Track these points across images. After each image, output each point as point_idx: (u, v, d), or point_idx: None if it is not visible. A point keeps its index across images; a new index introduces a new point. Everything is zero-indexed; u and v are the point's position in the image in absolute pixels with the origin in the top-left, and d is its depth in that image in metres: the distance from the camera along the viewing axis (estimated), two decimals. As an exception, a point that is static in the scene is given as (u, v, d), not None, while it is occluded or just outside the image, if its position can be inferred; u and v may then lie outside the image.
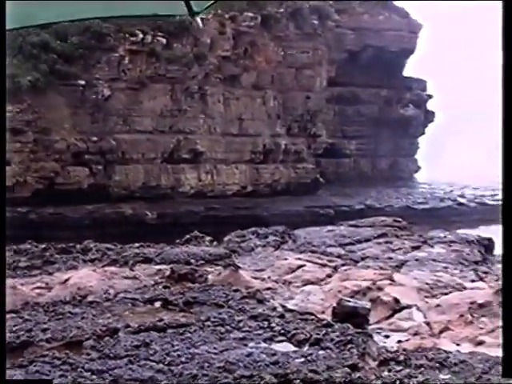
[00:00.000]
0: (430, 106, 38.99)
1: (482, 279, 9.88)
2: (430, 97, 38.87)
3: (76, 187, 34.53)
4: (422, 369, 4.93)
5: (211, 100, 36.68)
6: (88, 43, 34.40)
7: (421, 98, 37.90)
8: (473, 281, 9.70)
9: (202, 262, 9.53)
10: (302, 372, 4.68)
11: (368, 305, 6.75)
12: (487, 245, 12.92)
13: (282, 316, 6.25)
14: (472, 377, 4.78)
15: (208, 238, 12.02)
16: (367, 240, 13.21)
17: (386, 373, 4.88)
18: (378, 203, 27.44)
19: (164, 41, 34.97)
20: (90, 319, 6.05)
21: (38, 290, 7.74)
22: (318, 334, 5.54)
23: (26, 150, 33.10)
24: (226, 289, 7.29)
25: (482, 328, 6.91)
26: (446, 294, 8.55)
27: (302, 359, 5.01)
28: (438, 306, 7.88)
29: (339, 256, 11.08)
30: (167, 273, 8.29)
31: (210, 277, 8.25)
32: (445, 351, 5.59)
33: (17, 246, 10.21)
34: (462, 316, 7.28)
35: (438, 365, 5.00)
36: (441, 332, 6.86)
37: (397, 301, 7.79)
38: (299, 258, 10.50)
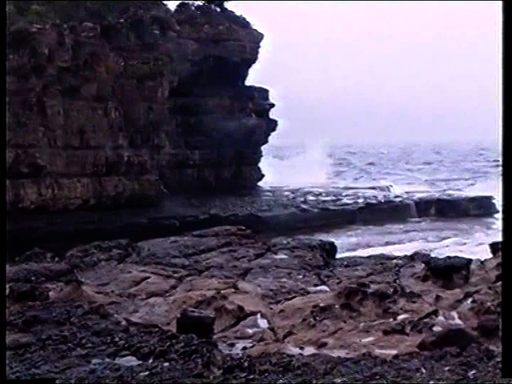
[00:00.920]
0: (272, 114, 39.84)
1: (324, 283, 10.25)
2: (272, 105, 39.72)
3: None
4: (266, 374, 5.04)
5: (51, 112, 35.65)
6: None
7: (263, 107, 38.71)
8: (315, 285, 10.03)
9: (43, 279, 9.26)
10: (145, 385, 4.69)
11: (212, 314, 6.83)
12: (329, 249, 13.40)
13: (125, 330, 6.20)
14: (314, 378, 4.94)
15: (49, 254, 11.67)
16: (212, 249, 13.33)
17: (232, 381, 4.95)
18: (223, 212, 27.76)
19: (-1, 51, 33.56)
20: None
21: None
22: (163, 346, 5.54)
23: None
24: (67, 305, 7.14)
25: (324, 330, 7.17)
26: (289, 299, 8.81)
27: (147, 372, 5.00)
28: (281, 311, 8.10)
29: (184, 267, 11.12)
30: (6, 292, 8.00)
31: (51, 294, 8.04)
32: (288, 355, 5.76)
33: None
34: (305, 320, 7.51)
35: (281, 369, 5.13)
36: (285, 336, 7.05)
37: (241, 308, 7.93)
38: (143, 271, 10.45)
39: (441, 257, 12.63)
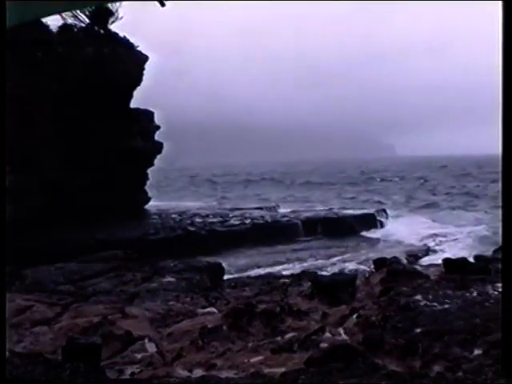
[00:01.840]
0: (157, 137, 39.59)
1: (212, 304, 10.34)
2: (157, 128, 39.49)
3: None
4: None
5: None
6: None
7: (148, 130, 38.45)
8: (203, 307, 10.11)
9: None
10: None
11: (99, 340, 6.76)
12: (216, 270, 13.55)
13: (9, 362, 6.06)
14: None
15: None
16: (98, 275, 13.22)
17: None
18: (110, 236, 27.33)
19: None
20: None
21: None
22: (48, 376, 5.46)
23: None
24: None
25: (212, 352, 7.23)
26: (177, 322, 8.84)
27: (32, 403, 4.92)
28: (170, 334, 8.12)
29: (70, 293, 10.97)
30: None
31: None
32: (176, 378, 5.81)
33: None
34: (193, 342, 7.56)
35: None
36: (173, 360, 7.07)
37: (129, 333, 7.90)
38: (27, 299, 10.22)
39: (327, 274, 13.02)
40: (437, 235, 34.35)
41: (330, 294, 9.92)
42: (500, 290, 8.46)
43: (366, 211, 41.20)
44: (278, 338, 7.55)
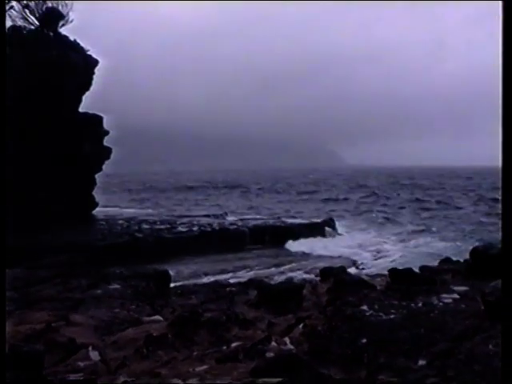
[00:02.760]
0: (106, 142, 39.09)
1: (158, 312, 10.23)
2: (106, 133, 39.00)
3: None
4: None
5: None
6: None
7: (97, 134, 37.95)
8: (149, 314, 10.00)
9: None
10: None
11: (42, 348, 6.63)
12: (163, 278, 13.41)
13: None
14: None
15: None
16: (43, 281, 13.00)
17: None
18: (56, 242, 26.83)
19: None
20: None
21: None
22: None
23: None
24: None
25: (157, 361, 7.16)
26: (122, 329, 8.72)
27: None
28: (114, 342, 8.01)
29: (13, 300, 10.73)
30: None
31: None
32: (121, 387, 5.72)
33: None
34: (138, 350, 7.47)
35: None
36: (118, 368, 6.97)
37: (73, 341, 7.77)
38: (-32, 306, 9.96)
39: (274, 283, 13.00)
40: (380, 246, 34.60)
41: (277, 303, 9.91)
42: (445, 300, 8.57)
43: (314, 220, 41.36)
44: (224, 347, 7.51)
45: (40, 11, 34.87)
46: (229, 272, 25.99)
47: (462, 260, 14.34)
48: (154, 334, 7.98)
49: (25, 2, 34.66)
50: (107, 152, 38.69)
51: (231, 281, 18.63)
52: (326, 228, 38.55)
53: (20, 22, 34.39)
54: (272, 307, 9.83)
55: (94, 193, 38.68)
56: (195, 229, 34.29)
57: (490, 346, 5.95)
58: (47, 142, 33.03)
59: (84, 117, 36.83)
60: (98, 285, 12.45)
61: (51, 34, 35.36)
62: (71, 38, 35.87)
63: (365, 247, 34.05)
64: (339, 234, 38.86)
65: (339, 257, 30.31)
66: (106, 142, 38.69)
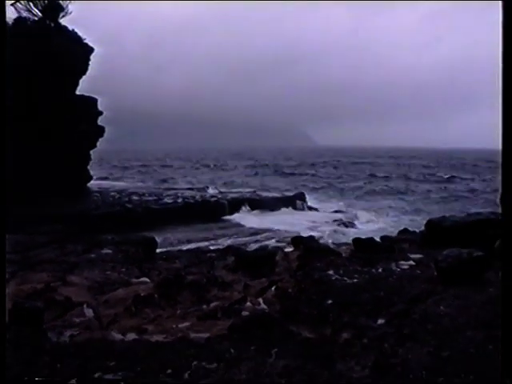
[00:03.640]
0: (100, 121, 38.83)
1: (145, 275, 10.21)
2: (100, 113, 38.76)
3: None
4: (92, 359, 4.94)
5: None
6: None
7: (92, 115, 37.70)
8: (137, 277, 9.98)
9: None
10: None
11: (42, 305, 6.61)
12: (150, 244, 13.36)
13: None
14: (137, 363, 4.88)
15: None
16: (42, 246, 12.92)
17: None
18: (54, 211, 26.60)
19: None
20: None
21: None
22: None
23: None
24: None
25: (144, 318, 7.16)
26: (113, 290, 8.69)
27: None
28: (106, 301, 7.98)
29: (15, 262, 10.64)
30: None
31: None
32: (112, 341, 5.71)
33: None
34: (127, 309, 7.46)
35: (105, 354, 5.06)
36: (109, 324, 6.96)
37: (69, 299, 7.74)
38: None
39: (250, 250, 13.03)
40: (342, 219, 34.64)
41: (252, 268, 9.93)
42: (403, 267, 8.64)
43: (286, 194, 41.47)
44: (204, 307, 7.53)
45: (43, 4, 34.69)
46: (210, 240, 26.01)
47: (417, 231, 14.48)
48: (142, 294, 7.97)
49: None
50: (101, 130, 38.44)
51: (211, 247, 18.64)
52: (297, 201, 38.63)
53: (25, 14, 34.17)
54: (248, 271, 9.85)
55: (88, 167, 38.39)
56: (180, 200, 34.25)
57: (442, 308, 6.01)
58: (47, 121, 32.73)
59: (80, 98, 36.58)
60: (92, 250, 12.39)
61: (52, 24, 35.11)
62: (70, 28, 35.65)
63: (328, 219, 34.14)
64: (309, 208, 38.96)
65: (307, 226, 30.40)
66: (100, 121, 38.45)
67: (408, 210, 40.95)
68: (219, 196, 37.87)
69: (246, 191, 43.80)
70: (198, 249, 18.11)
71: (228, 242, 24.66)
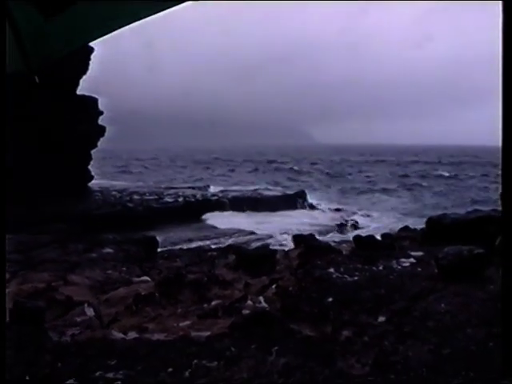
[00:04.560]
0: (101, 121, 38.79)
1: (146, 274, 10.22)
2: (100, 113, 38.72)
3: None
4: (93, 358, 4.94)
5: None
6: None
7: (93, 114, 37.64)
8: (138, 275, 9.98)
9: None
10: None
11: (43, 304, 6.61)
12: (152, 243, 13.37)
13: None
14: (137, 361, 4.88)
15: None
16: (44, 246, 12.92)
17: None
18: (56, 211, 26.58)
19: None
20: None
21: None
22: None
23: None
24: None
25: (145, 316, 7.15)
26: (114, 289, 8.70)
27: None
28: (107, 300, 7.98)
29: (17, 262, 10.65)
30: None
31: None
32: (112, 340, 5.70)
33: None
34: (128, 307, 7.45)
35: (106, 352, 5.05)
36: (110, 323, 6.96)
37: (70, 299, 7.74)
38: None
39: (251, 248, 13.03)
40: (346, 218, 34.59)
41: (253, 266, 9.92)
42: (403, 264, 8.62)
43: (287, 192, 41.38)
44: (205, 305, 7.52)
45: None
46: (211, 238, 25.97)
47: (418, 228, 14.45)
48: (143, 293, 7.97)
49: None
50: (101, 130, 38.39)
51: (212, 246, 18.64)
52: (298, 199, 38.57)
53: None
54: (248, 270, 9.84)
55: (89, 167, 38.37)
56: (180, 199, 34.21)
57: (442, 305, 6.00)
58: (47, 121, 32.68)
59: (81, 99, 36.54)
60: (93, 249, 12.41)
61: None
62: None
63: (331, 219, 34.06)
64: (310, 206, 38.87)
65: (308, 224, 30.33)
66: (101, 121, 38.40)
67: (409, 207, 40.89)
68: (220, 195, 37.82)
69: (247, 189, 43.72)
70: (198, 248, 18.12)
71: (229, 240, 24.64)
